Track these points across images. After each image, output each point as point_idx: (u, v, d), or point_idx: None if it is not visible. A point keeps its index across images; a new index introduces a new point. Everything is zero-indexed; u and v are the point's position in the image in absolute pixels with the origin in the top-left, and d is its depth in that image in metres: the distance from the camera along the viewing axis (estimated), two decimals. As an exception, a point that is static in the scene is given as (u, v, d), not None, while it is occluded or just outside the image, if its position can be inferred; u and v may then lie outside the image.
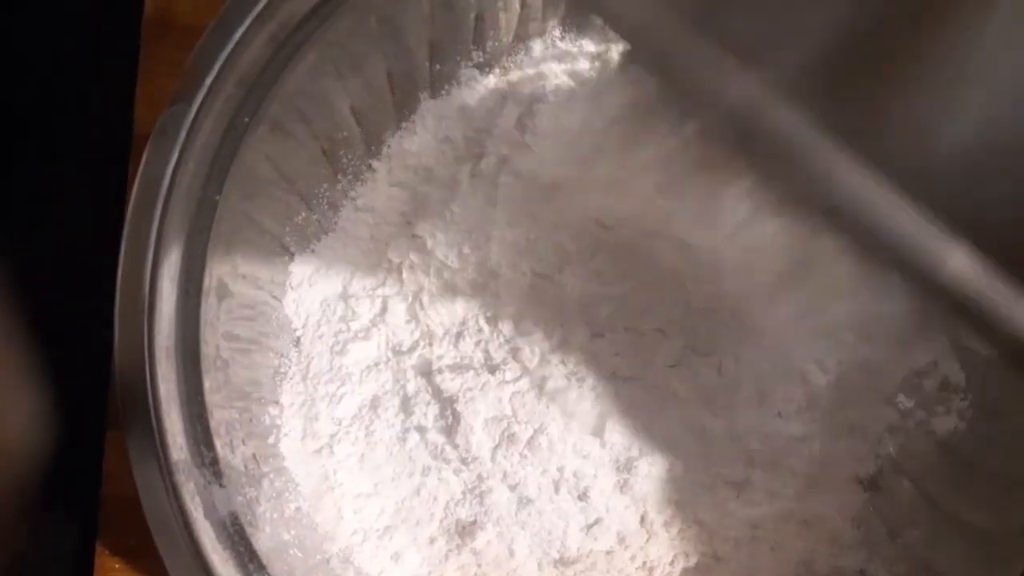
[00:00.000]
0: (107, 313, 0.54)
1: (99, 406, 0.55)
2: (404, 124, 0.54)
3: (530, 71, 0.55)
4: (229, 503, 0.42)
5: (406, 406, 0.50)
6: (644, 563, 0.51)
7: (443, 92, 0.55)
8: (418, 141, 0.54)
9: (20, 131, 0.56)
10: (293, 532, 0.47)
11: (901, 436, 0.53)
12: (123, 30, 0.57)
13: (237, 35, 0.43)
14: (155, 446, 0.40)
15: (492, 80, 0.55)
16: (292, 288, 0.52)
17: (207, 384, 0.43)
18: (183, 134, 0.41)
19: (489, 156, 0.52)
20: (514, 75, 0.54)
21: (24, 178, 0.57)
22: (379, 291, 0.52)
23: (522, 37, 0.55)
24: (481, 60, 0.55)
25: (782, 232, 0.49)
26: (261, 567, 0.42)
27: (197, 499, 0.41)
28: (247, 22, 0.43)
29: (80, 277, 0.56)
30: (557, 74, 0.55)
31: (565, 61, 0.55)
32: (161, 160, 0.41)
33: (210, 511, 0.41)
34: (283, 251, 0.51)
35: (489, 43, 0.54)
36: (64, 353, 0.57)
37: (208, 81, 0.42)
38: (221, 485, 0.42)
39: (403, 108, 0.54)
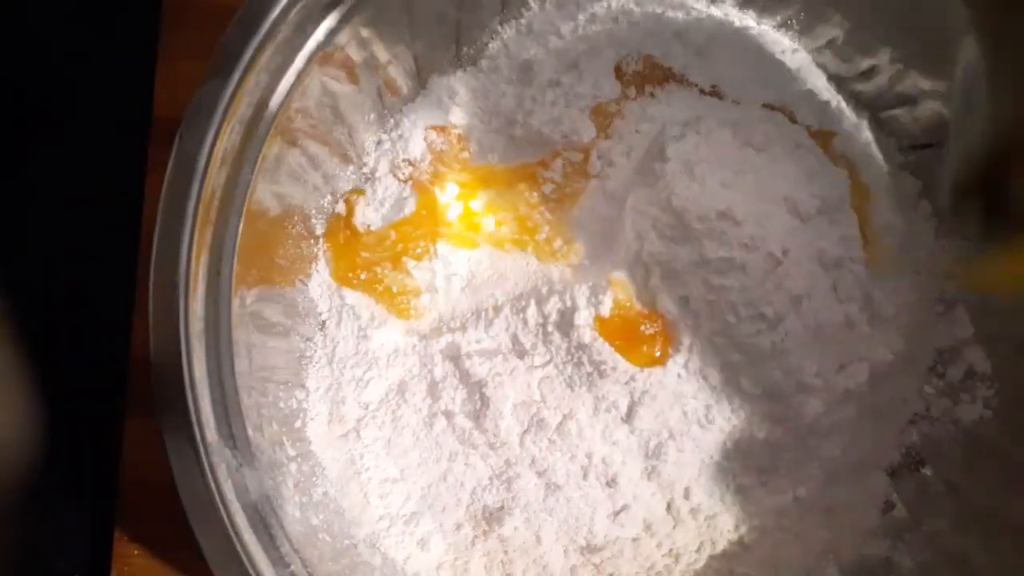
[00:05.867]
0: (125, 299, 0.54)
1: (117, 394, 0.54)
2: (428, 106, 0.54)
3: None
4: (260, 486, 0.42)
5: (433, 390, 0.50)
6: (671, 550, 0.51)
7: (470, 69, 0.55)
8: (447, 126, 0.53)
9: (39, 113, 0.55)
10: (321, 517, 0.46)
11: (926, 425, 0.53)
12: (143, 11, 0.56)
13: (272, 13, 0.42)
14: (190, 428, 0.39)
15: (527, 50, 0.54)
16: (318, 272, 0.51)
17: (236, 367, 0.43)
18: (220, 110, 0.40)
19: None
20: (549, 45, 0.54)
21: (42, 160, 0.56)
22: (407, 275, 0.51)
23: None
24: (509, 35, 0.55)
25: None
26: (293, 550, 0.41)
27: (229, 482, 0.40)
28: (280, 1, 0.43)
29: (98, 263, 0.55)
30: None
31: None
32: (197, 137, 0.40)
33: (242, 493, 0.41)
34: (309, 234, 0.51)
35: (518, 20, 0.54)
36: (80, 341, 0.56)
37: (244, 57, 0.41)
38: (252, 468, 0.42)
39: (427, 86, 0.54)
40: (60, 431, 0.54)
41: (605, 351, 0.48)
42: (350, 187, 0.52)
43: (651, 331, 0.49)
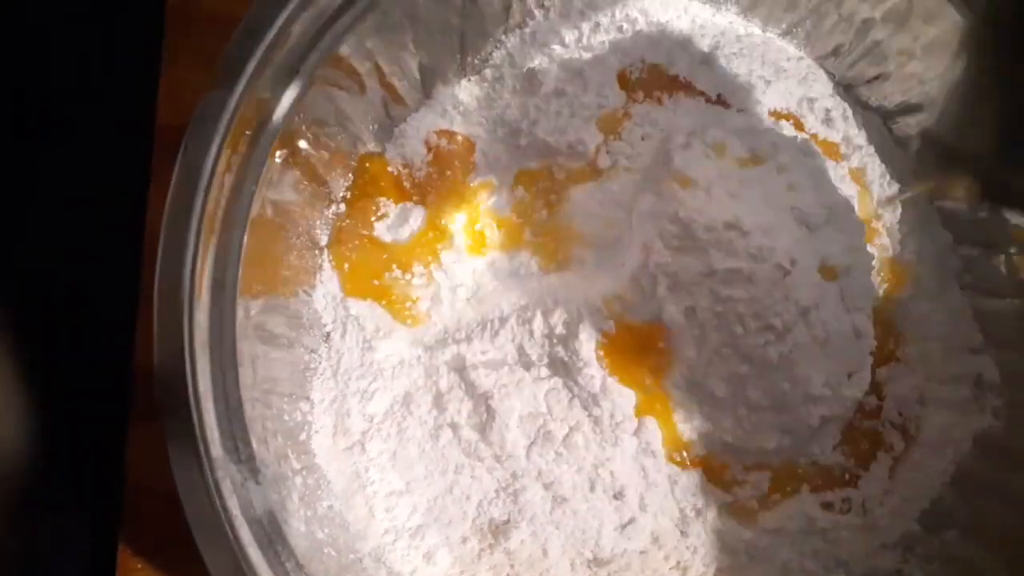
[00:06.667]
0: (129, 303, 0.54)
1: (120, 400, 0.54)
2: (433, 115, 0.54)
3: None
4: (265, 500, 0.41)
5: (439, 402, 0.49)
6: (678, 563, 0.50)
7: (474, 79, 0.54)
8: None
9: (43, 120, 0.55)
10: (326, 531, 0.46)
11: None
12: (147, 19, 0.56)
13: (276, 23, 0.42)
14: (195, 443, 0.39)
15: (531, 60, 0.54)
16: (322, 283, 0.51)
17: (241, 379, 0.42)
18: (224, 120, 0.40)
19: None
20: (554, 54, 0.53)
21: (44, 165, 0.56)
22: (412, 286, 0.51)
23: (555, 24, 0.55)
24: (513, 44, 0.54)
25: None
26: (298, 565, 0.41)
27: (234, 497, 0.40)
28: (286, 10, 0.43)
29: (101, 268, 0.55)
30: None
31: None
32: (201, 147, 0.40)
33: (247, 508, 0.40)
34: (313, 244, 0.50)
35: (522, 29, 0.54)
36: (83, 347, 0.56)
37: (249, 67, 0.41)
38: (257, 482, 0.41)
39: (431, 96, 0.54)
40: (63, 437, 0.54)
41: (604, 370, 0.48)
42: (354, 197, 0.52)
43: (653, 346, 0.49)
